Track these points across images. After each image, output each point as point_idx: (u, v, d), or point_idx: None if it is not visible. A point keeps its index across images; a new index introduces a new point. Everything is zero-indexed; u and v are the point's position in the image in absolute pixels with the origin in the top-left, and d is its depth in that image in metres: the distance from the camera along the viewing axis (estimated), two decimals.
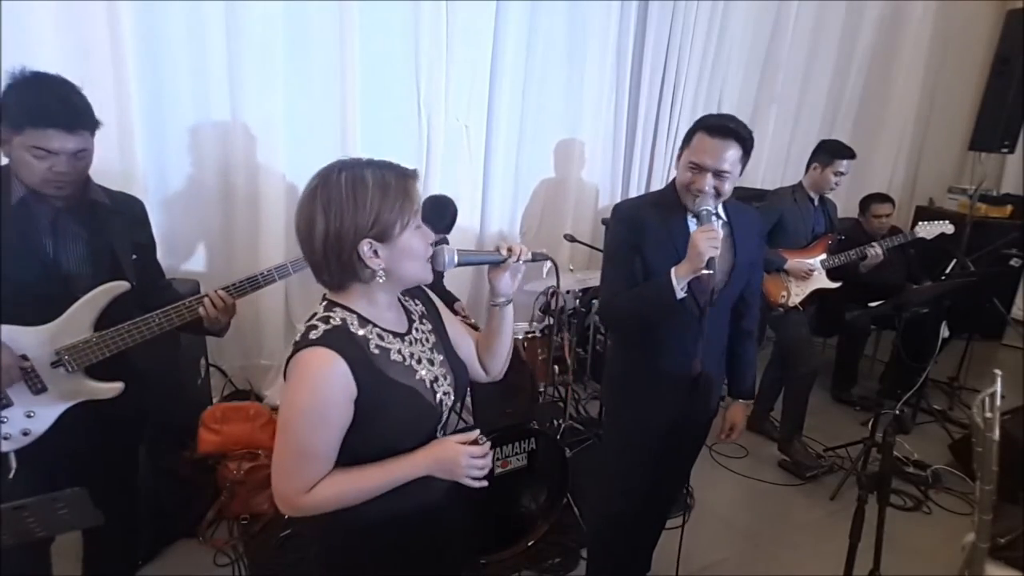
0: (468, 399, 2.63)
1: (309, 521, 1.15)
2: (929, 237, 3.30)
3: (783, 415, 3.28)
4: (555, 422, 2.91)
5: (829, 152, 3.04)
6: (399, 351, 1.14)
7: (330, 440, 1.07)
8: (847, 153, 3.03)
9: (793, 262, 3.02)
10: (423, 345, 1.20)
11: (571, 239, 3.41)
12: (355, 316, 1.10)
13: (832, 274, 3.12)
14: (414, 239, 1.08)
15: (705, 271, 1.51)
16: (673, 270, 1.57)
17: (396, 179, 1.06)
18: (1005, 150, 4.24)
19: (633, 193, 4.10)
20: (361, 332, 1.09)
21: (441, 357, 1.22)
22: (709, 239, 1.51)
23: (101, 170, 2.65)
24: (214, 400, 3.05)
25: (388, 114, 3.21)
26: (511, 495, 2.33)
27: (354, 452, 1.10)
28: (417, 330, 1.20)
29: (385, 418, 1.09)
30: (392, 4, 3.05)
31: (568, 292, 3.34)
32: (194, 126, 2.84)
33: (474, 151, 3.46)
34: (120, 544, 1.83)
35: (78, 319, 1.50)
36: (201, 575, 2.24)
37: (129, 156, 2.65)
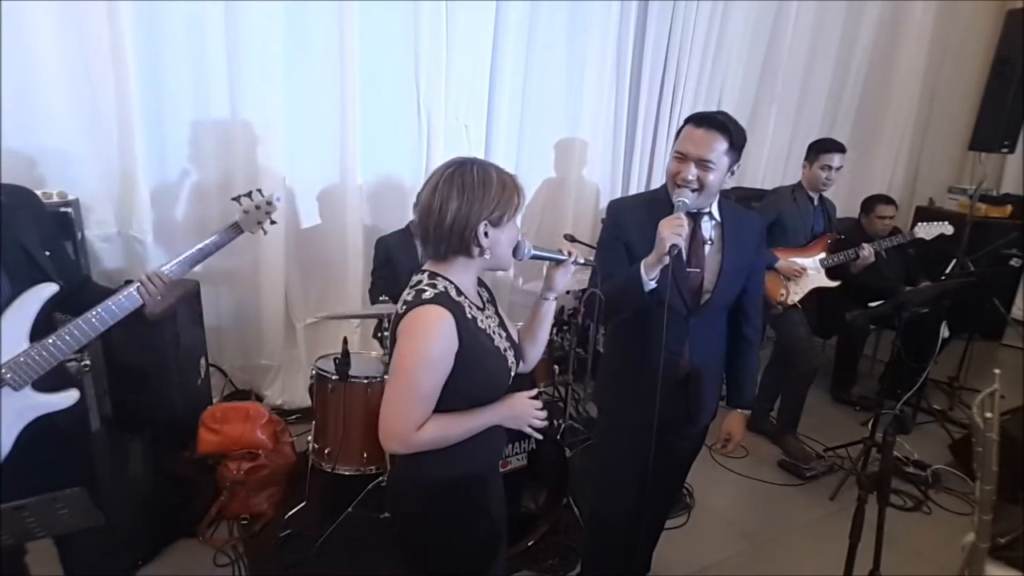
0: None
1: (395, 481, 1.45)
2: (928, 238, 3.31)
3: (780, 411, 3.30)
4: (555, 422, 2.91)
5: (816, 148, 3.10)
6: (482, 320, 1.33)
7: (438, 385, 1.24)
8: (835, 147, 3.06)
9: (783, 262, 3.05)
10: (494, 319, 1.39)
11: (571, 239, 3.40)
12: (453, 286, 1.28)
13: (831, 273, 3.13)
14: (513, 229, 1.30)
15: (667, 258, 1.51)
16: (643, 261, 1.57)
17: (510, 179, 1.28)
18: (1005, 150, 4.23)
19: (633, 193, 4.11)
20: (457, 299, 1.27)
21: (505, 333, 1.40)
22: (673, 227, 1.52)
23: (101, 169, 2.68)
24: (214, 400, 3.06)
25: (388, 114, 3.22)
26: (511, 495, 2.33)
27: (445, 401, 1.26)
28: (488, 308, 1.40)
29: (474, 373, 1.27)
30: (392, 4, 3.05)
31: (568, 292, 3.34)
32: (194, 126, 2.84)
33: (474, 151, 3.46)
34: (98, 548, 1.73)
35: (10, 332, 1.39)
36: (201, 575, 2.24)
37: (129, 156, 2.66)
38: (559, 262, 1.43)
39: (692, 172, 1.61)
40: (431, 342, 1.20)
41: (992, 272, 4.08)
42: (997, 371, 1.22)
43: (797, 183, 3.20)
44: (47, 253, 1.48)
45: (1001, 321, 4.54)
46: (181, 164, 2.88)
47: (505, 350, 1.36)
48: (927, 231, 3.30)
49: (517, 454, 2.28)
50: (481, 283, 1.43)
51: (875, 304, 3.24)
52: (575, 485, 2.51)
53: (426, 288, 1.25)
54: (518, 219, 1.31)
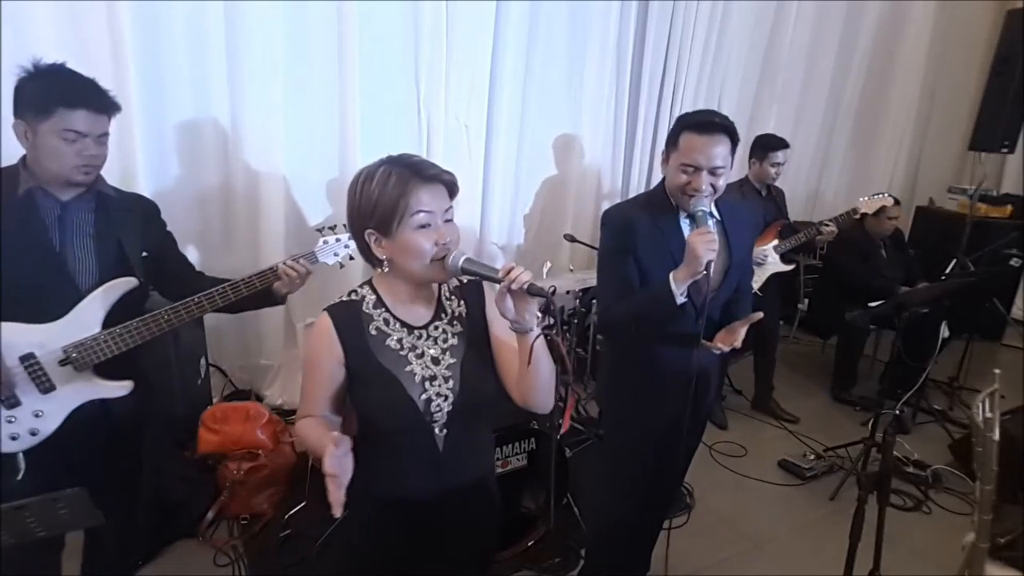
0: None
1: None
2: (870, 212, 3.39)
3: (757, 387, 3.62)
4: (555, 422, 2.91)
5: (763, 147, 3.27)
6: (399, 340, 1.21)
7: (318, 388, 1.22)
8: (780, 144, 3.25)
9: None
10: (437, 343, 1.24)
11: (571, 239, 3.41)
12: (375, 297, 1.22)
13: (785, 258, 3.31)
14: (415, 236, 1.12)
15: (700, 273, 1.51)
16: (672, 275, 1.55)
17: (398, 177, 1.12)
18: (1005, 150, 4.23)
19: (633, 192, 4.11)
20: (370, 312, 1.21)
21: (453, 361, 1.24)
22: (706, 243, 1.49)
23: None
24: (214, 400, 3.06)
25: (388, 114, 3.21)
26: (511, 495, 2.33)
27: (358, 412, 1.24)
28: (437, 328, 1.25)
29: (363, 392, 1.21)
30: (392, 4, 3.05)
31: (568, 292, 3.34)
32: (194, 126, 2.84)
33: (474, 151, 3.46)
34: (119, 545, 1.82)
35: (86, 316, 1.48)
36: (201, 575, 2.24)
37: (129, 156, 2.65)
38: (495, 282, 1.10)
39: (706, 181, 1.58)
40: (308, 346, 1.23)
41: (992, 272, 4.08)
42: (997, 371, 1.22)
43: (744, 178, 3.39)
44: (144, 254, 1.59)
45: (1001, 321, 4.54)
46: (181, 164, 2.87)
47: (428, 379, 1.20)
48: (869, 205, 3.37)
49: (517, 454, 2.29)
50: (473, 295, 1.28)
51: (875, 304, 3.24)
52: (575, 485, 2.51)
53: (347, 293, 1.24)
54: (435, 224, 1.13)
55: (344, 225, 1.90)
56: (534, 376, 1.18)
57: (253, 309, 1.75)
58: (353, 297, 1.23)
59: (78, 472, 1.38)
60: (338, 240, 1.89)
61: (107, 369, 1.53)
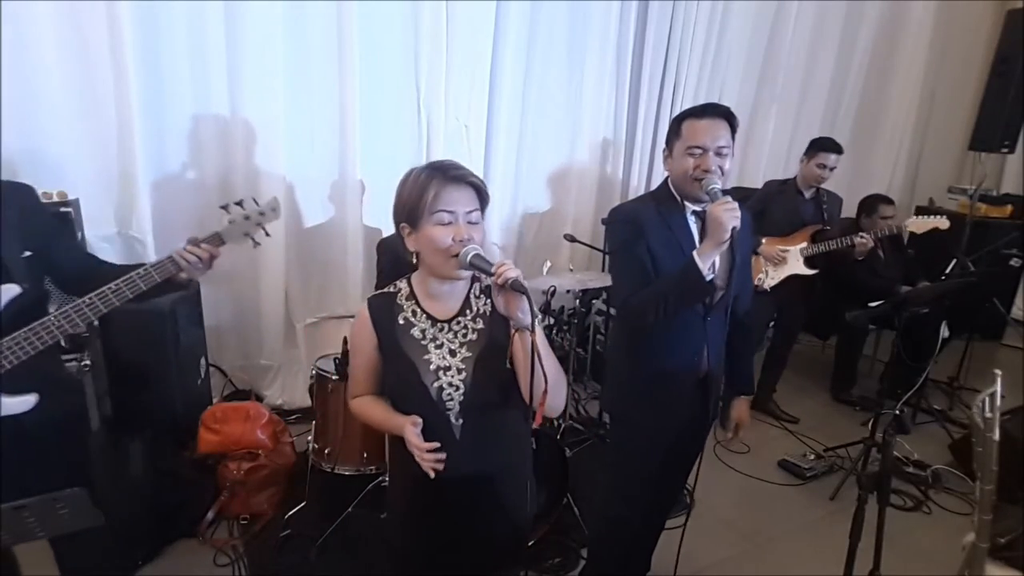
0: None
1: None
2: (919, 232, 3.32)
3: (759, 386, 3.55)
4: (555, 422, 2.91)
5: (814, 146, 3.26)
6: (422, 331, 1.30)
7: (362, 368, 1.37)
8: (830, 147, 3.21)
9: (766, 246, 3.24)
10: (457, 337, 1.31)
11: (571, 239, 3.41)
12: (408, 290, 1.33)
13: (810, 262, 3.28)
14: (435, 231, 1.21)
15: (725, 244, 1.51)
16: (695, 251, 1.55)
17: (426, 176, 1.22)
18: (1005, 150, 4.23)
19: (633, 192, 4.11)
20: (402, 303, 1.32)
21: (469, 355, 1.29)
22: (728, 210, 1.50)
23: (101, 169, 2.68)
24: (214, 400, 3.06)
25: (388, 114, 3.22)
26: None
27: (386, 393, 1.38)
28: (460, 323, 1.31)
29: (387, 374, 1.35)
30: (392, 4, 3.05)
31: (568, 292, 3.34)
32: (193, 125, 2.84)
33: (474, 151, 3.46)
34: (96, 548, 1.73)
35: None
36: (201, 575, 2.24)
37: (129, 155, 2.66)
38: (490, 275, 1.18)
39: (714, 162, 1.60)
40: (352, 333, 1.37)
41: (992, 272, 4.07)
42: (998, 371, 1.22)
43: (792, 177, 3.39)
44: (27, 253, 1.44)
45: (1001, 321, 4.54)
46: (180, 164, 2.87)
47: (442, 369, 1.27)
48: (918, 225, 3.31)
49: None
50: (486, 293, 1.33)
51: (875, 304, 3.24)
52: (575, 485, 2.51)
53: (389, 287, 1.36)
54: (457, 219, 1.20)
55: (255, 200, 1.67)
56: (522, 369, 1.23)
57: (158, 296, 1.59)
58: (391, 290, 1.34)
59: (16, 484, 1.27)
60: (247, 218, 1.63)
61: (15, 381, 1.41)
